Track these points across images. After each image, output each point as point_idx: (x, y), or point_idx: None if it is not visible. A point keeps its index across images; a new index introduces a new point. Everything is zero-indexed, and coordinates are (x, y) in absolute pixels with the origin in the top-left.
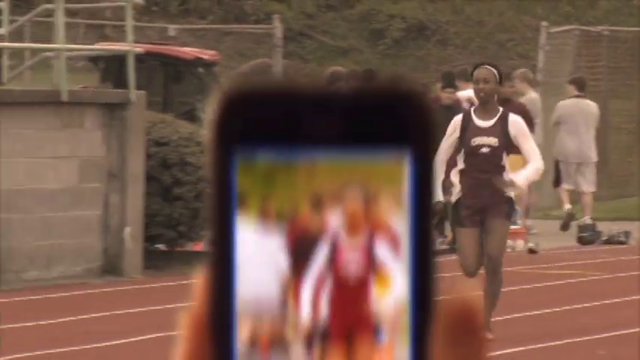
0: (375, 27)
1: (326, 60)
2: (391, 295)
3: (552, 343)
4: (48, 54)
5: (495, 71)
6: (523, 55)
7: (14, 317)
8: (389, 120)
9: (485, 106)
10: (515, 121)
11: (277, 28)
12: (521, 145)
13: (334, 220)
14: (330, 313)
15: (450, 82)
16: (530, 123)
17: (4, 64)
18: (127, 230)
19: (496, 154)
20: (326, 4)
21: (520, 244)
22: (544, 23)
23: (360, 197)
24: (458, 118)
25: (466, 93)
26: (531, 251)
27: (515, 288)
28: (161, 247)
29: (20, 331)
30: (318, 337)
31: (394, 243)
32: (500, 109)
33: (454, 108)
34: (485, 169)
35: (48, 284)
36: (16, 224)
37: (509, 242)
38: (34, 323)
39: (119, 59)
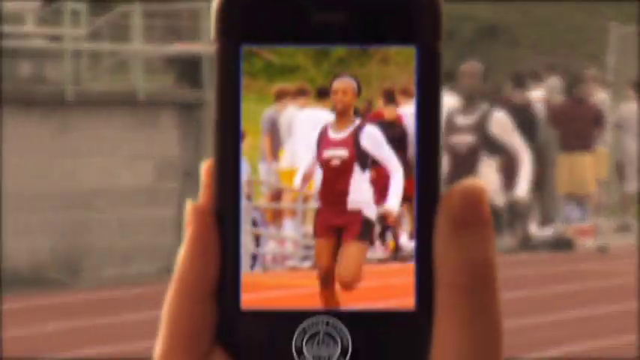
0: (445, 28)
1: None
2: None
3: (626, 340)
4: (125, 55)
5: (482, 68)
6: (592, 56)
7: (92, 314)
8: (396, 11)
9: (469, 102)
10: (498, 119)
11: None
12: (505, 140)
13: (331, 109)
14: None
15: (521, 82)
16: (602, 123)
17: (82, 66)
18: None
19: (473, 152)
20: None
21: (590, 242)
22: (613, 24)
23: (354, 88)
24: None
25: (538, 93)
26: (601, 249)
27: (585, 286)
28: None
29: (97, 327)
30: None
31: (390, 133)
32: (484, 106)
33: (526, 109)
34: (461, 172)
35: (124, 282)
36: (93, 223)
37: (579, 240)
38: (111, 320)
39: (195, 60)
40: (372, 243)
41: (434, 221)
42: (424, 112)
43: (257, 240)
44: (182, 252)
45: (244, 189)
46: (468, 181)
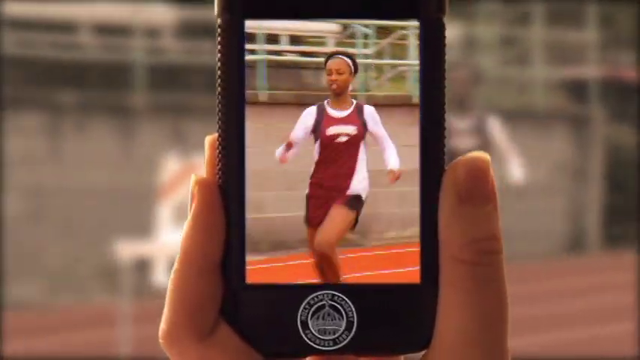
0: None
1: None
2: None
3: None
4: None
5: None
6: None
7: None
8: None
9: (461, 107)
10: (494, 121)
11: None
12: (498, 140)
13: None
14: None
15: None
16: None
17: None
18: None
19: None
20: None
21: None
22: None
23: (349, 67)
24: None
25: None
26: None
27: None
28: None
29: None
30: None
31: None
32: (476, 111)
33: None
34: None
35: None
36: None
37: None
38: None
39: (582, 81)
40: (358, 214)
41: (438, 195)
42: (428, 86)
43: None
44: (187, 226)
45: None
46: (473, 154)
